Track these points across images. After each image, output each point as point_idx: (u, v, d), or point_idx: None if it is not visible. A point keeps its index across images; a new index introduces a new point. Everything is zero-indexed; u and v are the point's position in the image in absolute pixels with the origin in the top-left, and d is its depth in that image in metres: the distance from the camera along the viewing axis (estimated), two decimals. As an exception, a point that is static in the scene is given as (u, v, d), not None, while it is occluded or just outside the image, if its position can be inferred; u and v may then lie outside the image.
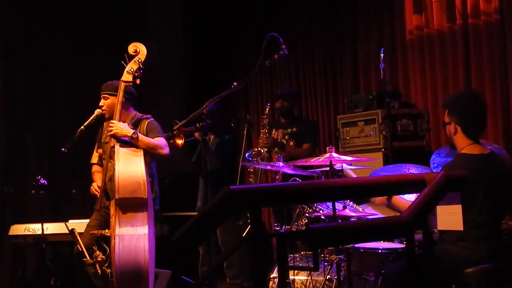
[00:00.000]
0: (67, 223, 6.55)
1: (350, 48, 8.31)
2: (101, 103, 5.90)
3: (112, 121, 5.61)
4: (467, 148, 4.66)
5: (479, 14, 6.63)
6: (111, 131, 5.55)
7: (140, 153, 5.49)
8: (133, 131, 5.56)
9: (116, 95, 5.77)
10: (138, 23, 9.13)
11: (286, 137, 7.37)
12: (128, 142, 5.54)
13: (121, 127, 5.56)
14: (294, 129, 7.37)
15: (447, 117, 4.76)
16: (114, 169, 5.41)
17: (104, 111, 5.87)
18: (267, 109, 7.28)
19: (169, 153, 5.72)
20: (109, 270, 5.44)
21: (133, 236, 5.20)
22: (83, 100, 8.31)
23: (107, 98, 5.86)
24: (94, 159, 6.16)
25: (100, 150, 6.08)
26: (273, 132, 7.50)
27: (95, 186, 5.90)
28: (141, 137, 5.57)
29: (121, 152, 5.43)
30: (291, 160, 6.71)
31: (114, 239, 5.19)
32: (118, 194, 5.23)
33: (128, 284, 5.17)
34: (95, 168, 6.12)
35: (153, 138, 5.66)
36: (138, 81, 5.69)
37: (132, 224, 5.24)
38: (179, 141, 5.99)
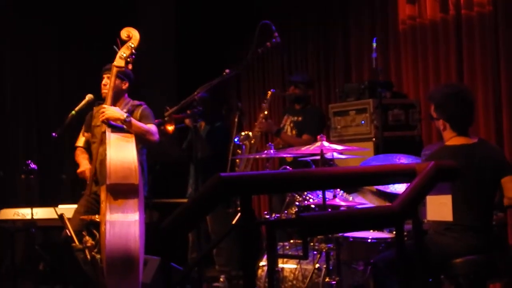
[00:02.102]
0: (56, 208, 6.53)
1: (343, 37, 8.30)
2: (104, 82, 5.85)
3: (103, 105, 5.58)
4: (451, 140, 4.72)
5: (472, 5, 6.62)
6: (103, 116, 5.51)
7: (132, 139, 5.46)
8: (126, 114, 5.53)
9: (121, 78, 5.78)
10: (128, 9, 9.11)
11: (292, 124, 7.35)
12: (119, 128, 5.51)
13: (113, 111, 5.52)
14: (300, 118, 7.33)
15: (434, 113, 4.80)
16: (105, 154, 5.40)
17: (105, 91, 5.82)
18: (269, 94, 7.22)
19: (158, 140, 5.71)
20: (98, 256, 5.41)
21: (124, 223, 5.18)
22: (74, 85, 8.30)
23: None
24: (80, 142, 6.10)
25: (87, 134, 6.04)
26: (285, 118, 7.49)
27: (87, 169, 5.85)
28: (134, 121, 5.55)
29: (112, 138, 5.40)
30: (289, 148, 6.71)
31: (105, 225, 5.17)
32: (110, 179, 5.20)
33: (118, 271, 5.16)
34: (80, 151, 6.08)
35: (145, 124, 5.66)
36: (130, 67, 5.67)
37: (123, 210, 5.21)
38: (170, 128, 5.98)
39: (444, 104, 4.75)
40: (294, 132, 7.30)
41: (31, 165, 6.53)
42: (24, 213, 7.08)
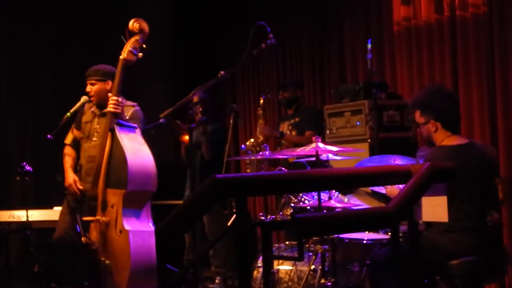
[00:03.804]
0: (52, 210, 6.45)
1: (337, 38, 8.30)
2: (88, 89, 5.79)
3: (114, 97, 5.38)
4: (445, 141, 4.71)
5: (466, 6, 6.63)
6: (113, 107, 5.34)
7: (141, 138, 5.37)
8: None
9: (103, 80, 5.72)
10: (125, 9, 9.11)
11: (290, 127, 7.41)
12: (126, 126, 5.41)
13: (123, 111, 5.45)
14: (296, 119, 7.39)
15: (421, 118, 4.76)
16: (99, 151, 5.35)
17: (92, 98, 5.78)
18: (261, 101, 7.28)
19: None
20: (108, 262, 5.30)
21: (145, 233, 5.12)
22: (69, 86, 8.29)
23: (94, 84, 5.75)
24: (68, 139, 6.03)
25: (76, 132, 5.95)
26: (281, 125, 7.56)
27: (72, 184, 5.77)
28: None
29: (124, 139, 5.26)
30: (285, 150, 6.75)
31: (121, 232, 5.11)
32: (130, 186, 5.13)
33: (141, 280, 5.11)
34: (67, 149, 6.01)
35: None
36: (135, 58, 5.44)
37: (139, 218, 5.16)
38: (186, 137, 6.00)
39: (431, 103, 4.74)
40: (294, 133, 7.35)
41: (26, 167, 6.51)
42: (19, 215, 7.07)
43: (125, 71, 5.49)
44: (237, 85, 9.89)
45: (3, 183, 8.17)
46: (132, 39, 5.47)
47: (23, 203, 6.86)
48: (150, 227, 5.21)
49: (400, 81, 7.44)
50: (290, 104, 7.56)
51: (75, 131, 5.98)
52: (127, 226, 5.11)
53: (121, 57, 5.46)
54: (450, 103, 4.75)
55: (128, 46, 5.44)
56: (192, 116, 6.50)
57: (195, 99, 7.24)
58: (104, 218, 5.32)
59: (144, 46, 5.50)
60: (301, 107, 7.56)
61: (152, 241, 5.08)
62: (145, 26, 5.52)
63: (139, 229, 5.14)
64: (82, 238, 5.43)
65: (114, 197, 5.27)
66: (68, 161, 5.93)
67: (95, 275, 5.44)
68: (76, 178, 5.76)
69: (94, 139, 5.65)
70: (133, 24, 5.48)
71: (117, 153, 5.28)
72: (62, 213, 5.85)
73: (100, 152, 5.46)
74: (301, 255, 4.71)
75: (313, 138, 5.22)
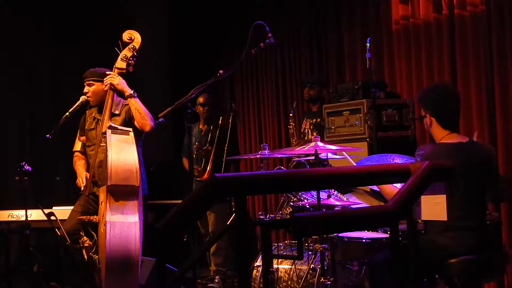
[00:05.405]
0: (50, 209, 6.47)
1: (336, 38, 8.31)
2: (85, 90, 5.90)
3: (110, 72, 5.66)
4: (445, 138, 4.72)
5: (465, 4, 6.63)
6: (110, 80, 5.58)
7: (132, 140, 5.48)
8: (132, 91, 5.61)
9: (100, 81, 5.81)
10: (122, 9, 9.11)
11: (311, 127, 7.42)
12: (119, 129, 5.52)
13: (121, 81, 5.61)
14: (318, 120, 7.41)
15: (422, 111, 4.84)
16: (104, 155, 5.43)
17: (89, 98, 5.88)
18: (291, 117, 7.40)
19: (154, 127, 5.74)
20: (96, 257, 5.42)
21: (124, 224, 5.21)
22: (68, 86, 8.29)
23: (92, 85, 5.88)
24: (77, 147, 6.13)
25: (83, 138, 6.05)
26: (304, 122, 7.58)
27: (83, 178, 5.86)
28: (138, 100, 5.61)
29: (113, 139, 5.43)
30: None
31: (105, 225, 5.19)
32: (111, 181, 5.25)
33: (118, 271, 5.17)
34: (77, 155, 6.09)
35: None
36: (131, 69, 5.71)
37: (123, 212, 5.25)
38: None
39: (427, 97, 4.82)
40: (314, 134, 7.38)
41: (25, 166, 6.52)
42: (18, 214, 7.07)
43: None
44: (236, 84, 9.89)
45: (2, 182, 8.17)
46: (124, 49, 5.72)
47: (22, 203, 6.87)
48: (132, 219, 5.26)
49: (399, 80, 7.44)
50: (314, 102, 7.63)
51: (81, 138, 6.06)
52: (108, 218, 5.20)
53: (114, 65, 5.72)
54: (443, 101, 4.77)
55: (120, 55, 5.70)
56: (191, 115, 6.49)
57: (201, 99, 7.31)
58: (94, 218, 5.50)
59: (135, 54, 5.71)
60: (324, 106, 7.59)
61: (131, 232, 5.18)
62: (137, 36, 5.77)
63: (119, 221, 5.20)
64: (68, 239, 5.51)
65: (103, 194, 5.42)
66: (80, 164, 6.00)
67: (89, 273, 5.50)
68: (87, 174, 5.83)
69: (102, 144, 5.71)
70: (124, 36, 5.75)
71: (105, 154, 5.44)
72: (72, 210, 5.89)
73: (92, 158, 5.76)
74: (301, 254, 4.73)
75: (312, 137, 5.23)
